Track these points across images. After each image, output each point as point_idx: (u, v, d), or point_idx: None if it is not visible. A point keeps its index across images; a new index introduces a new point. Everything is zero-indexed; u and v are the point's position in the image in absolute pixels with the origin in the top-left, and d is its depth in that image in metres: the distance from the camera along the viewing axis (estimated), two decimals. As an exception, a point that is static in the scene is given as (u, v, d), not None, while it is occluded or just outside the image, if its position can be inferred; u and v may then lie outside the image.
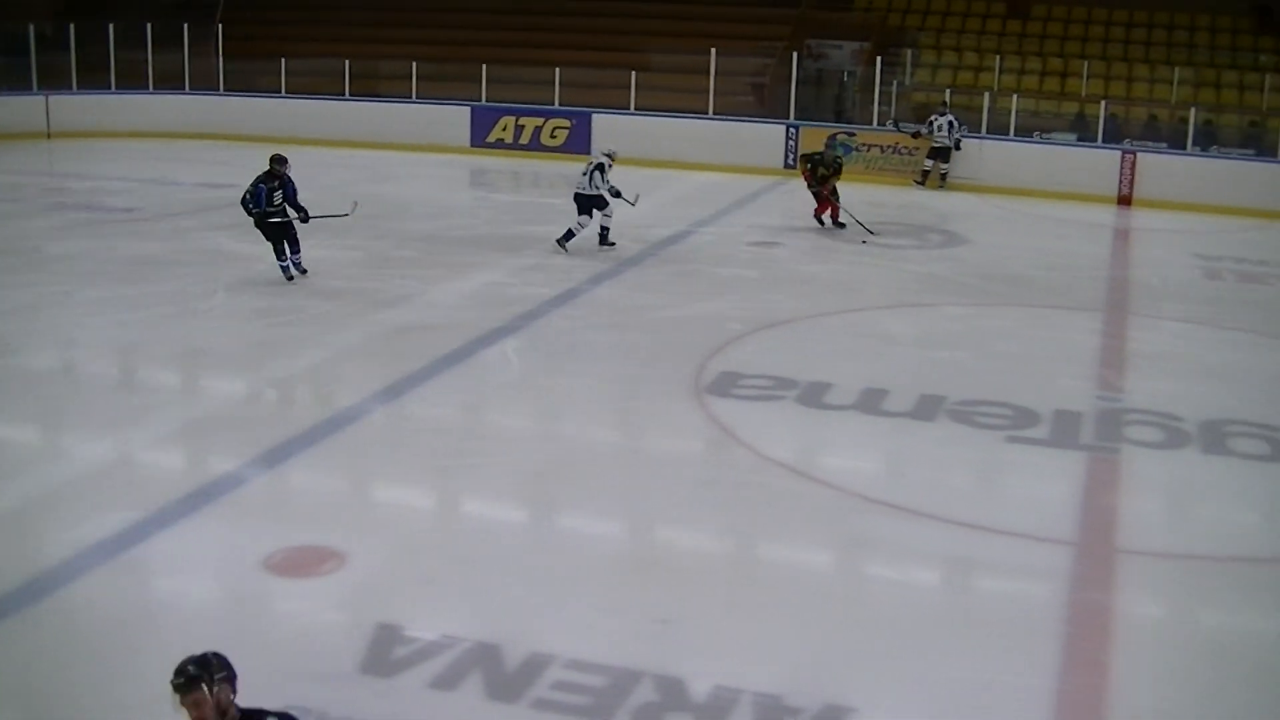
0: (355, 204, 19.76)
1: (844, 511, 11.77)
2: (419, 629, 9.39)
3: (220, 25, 36.38)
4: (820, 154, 24.23)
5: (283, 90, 34.68)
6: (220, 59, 35.56)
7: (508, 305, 17.92)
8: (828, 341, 17.03)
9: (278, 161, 18.55)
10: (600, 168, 21.34)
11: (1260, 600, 10.53)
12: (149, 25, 34.64)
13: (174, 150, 32.66)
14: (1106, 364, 16.41)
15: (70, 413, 13.92)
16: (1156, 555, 11.07)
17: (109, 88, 35.03)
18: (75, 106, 34.85)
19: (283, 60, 34.60)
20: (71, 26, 34.55)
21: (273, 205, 18.37)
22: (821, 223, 23.89)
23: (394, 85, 34.38)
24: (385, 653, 9.09)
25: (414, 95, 33.54)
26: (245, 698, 8.54)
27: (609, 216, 21.74)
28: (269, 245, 18.65)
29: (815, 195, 23.84)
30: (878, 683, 8.86)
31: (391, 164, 30.29)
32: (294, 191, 18.62)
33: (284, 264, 18.77)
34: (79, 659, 9.21)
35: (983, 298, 19.49)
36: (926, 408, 14.31)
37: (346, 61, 34.04)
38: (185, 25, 35.02)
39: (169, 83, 35.34)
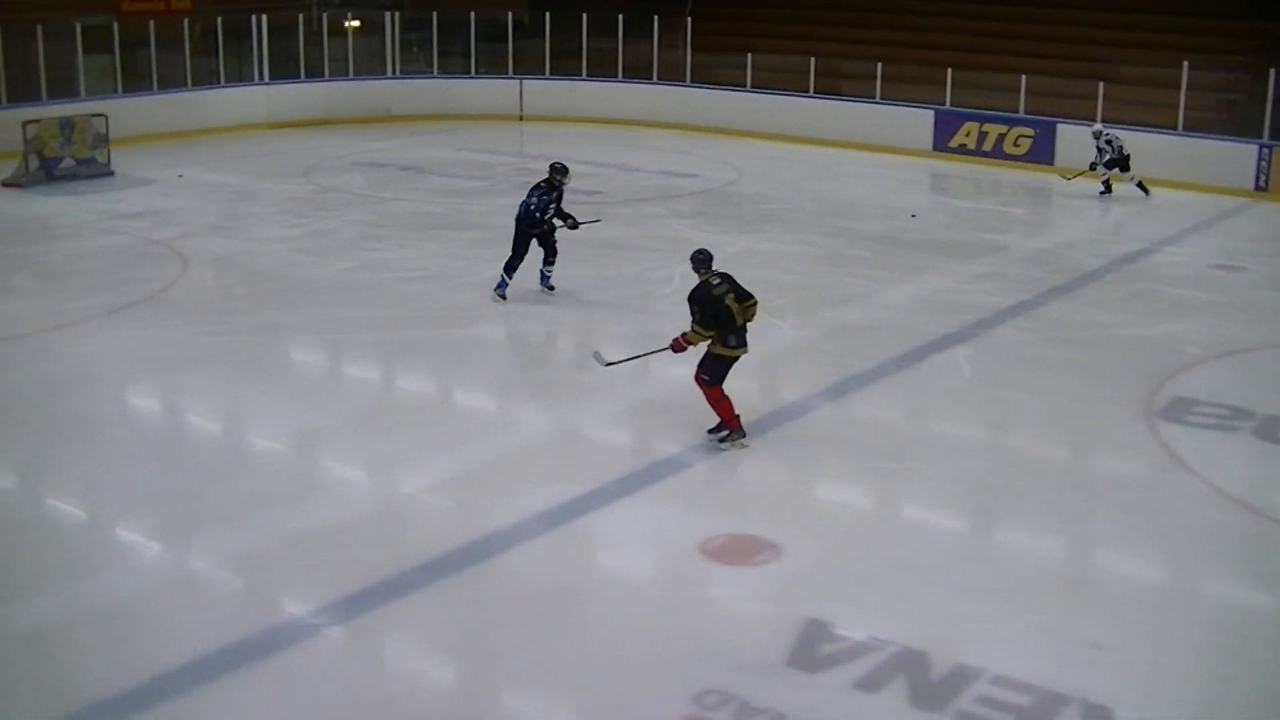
0: (600, 212, 19.16)
1: (1298, 554, 11.25)
2: (847, 628, 9.47)
3: (690, 18, 37.12)
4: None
5: (748, 84, 35.16)
6: (689, 51, 36.31)
7: (959, 312, 17.76)
8: (1291, 374, 16.24)
9: (560, 173, 17.70)
10: None
11: None
12: (620, 16, 35.65)
13: (638, 138, 33.59)
14: None
15: (524, 384, 14.49)
16: None
17: (580, 75, 36.26)
18: (546, 91, 36.36)
19: (749, 55, 35.06)
20: (547, 15, 35.88)
21: (545, 216, 17.68)
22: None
23: (857, 85, 34.39)
24: (812, 648, 9.20)
25: (877, 96, 33.50)
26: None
27: None
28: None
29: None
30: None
31: (849, 163, 30.37)
32: (561, 201, 17.90)
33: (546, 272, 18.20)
34: (515, 621, 9.66)
35: None
36: (1398, 452, 13.51)
37: (812, 59, 34.26)
38: (655, 17, 35.87)
39: (637, 73, 36.29)
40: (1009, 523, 11.75)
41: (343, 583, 10.11)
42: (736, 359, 12.72)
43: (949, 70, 32.02)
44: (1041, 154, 30.10)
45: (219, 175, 26.87)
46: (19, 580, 10.22)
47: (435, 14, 35.69)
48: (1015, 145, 30.56)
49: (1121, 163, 26.59)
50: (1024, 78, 31.07)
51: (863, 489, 12.35)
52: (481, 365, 15.40)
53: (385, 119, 35.00)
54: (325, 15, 35.67)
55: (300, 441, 13.07)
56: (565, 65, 36.29)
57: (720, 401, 12.76)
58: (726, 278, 12.79)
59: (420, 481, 12.15)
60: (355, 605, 9.82)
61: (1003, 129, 30.88)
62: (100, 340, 16.06)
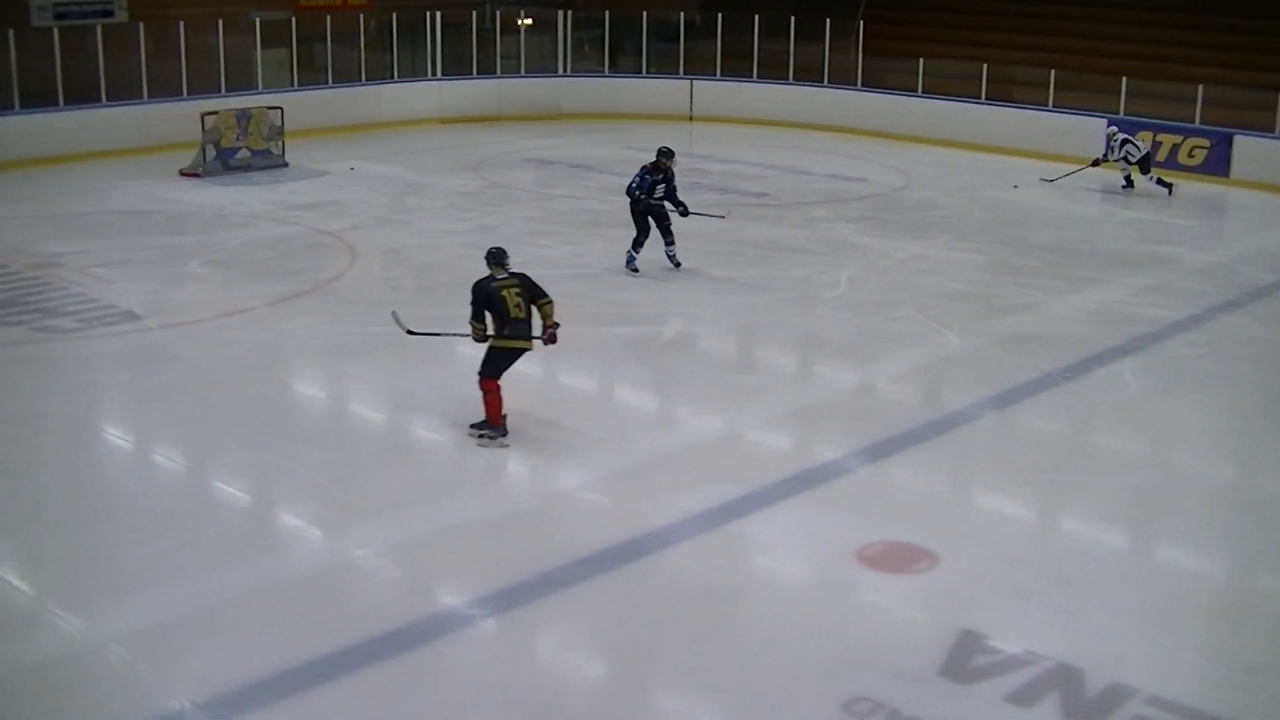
0: (730, 210, 20.75)
1: None
2: (1002, 640, 9.38)
3: (862, 22, 36.93)
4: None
5: (918, 89, 34.87)
6: (860, 55, 36.11)
7: (1127, 324, 17.46)
8: None
9: (665, 155, 18.90)
10: None
11: None
12: (792, 18, 35.57)
13: (807, 140, 33.45)
14: None
15: (686, 383, 14.53)
16: None
17: (750, 76, 36.25)
18: (717, 92, 36.41)
19: (920, 60, 34.78)
20: (719, 16, 35.93)
21: (653, 197, 18.75)
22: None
23: (1030, 92, 33.96)
24: (965, 659, 9.13)
25: (1050, 103, 33.06)
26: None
27: None
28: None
29: None
30: None
31: (1020, 171, 29.97)
32: (674, 186, 19.02)
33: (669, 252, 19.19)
34: (668, 620, 9.71)
35: None
36: None
37: (984, 65, 33.89)
38: (828, 20, 35.74)
39: (807, 75, 36.19)
40: (1170, 540, 11.55)
41: (498, 575, 10.23)
42: (518, 352, 12.81)
43: (1123, 79, 31.50)
44: (1217, 166, 29.51)
45: (390, 168, 27.30)
46: (184, 561, 10.46)
47: (607, 13, 35.96)
48: (1190, 156, 29.94)
49: (1143, 163, 27.06)
50: (1200, 87, 30.45)
51: (1023, 500, 12.21)
52: (643, 363, 15.48)
53: (555, 117, 35.31)
54: (499, 13, 36.03)
55: (461, 434, 13.21)
56: (736, 66, 36.30)
57: (490, 395, 12.78)
58: (522, 277, 12.88)
59: (579, 477, 12.25)
60: (509, 598, 9.93)
61: (1177, 139, 30.27)
62: (269, 328, 16.40)
